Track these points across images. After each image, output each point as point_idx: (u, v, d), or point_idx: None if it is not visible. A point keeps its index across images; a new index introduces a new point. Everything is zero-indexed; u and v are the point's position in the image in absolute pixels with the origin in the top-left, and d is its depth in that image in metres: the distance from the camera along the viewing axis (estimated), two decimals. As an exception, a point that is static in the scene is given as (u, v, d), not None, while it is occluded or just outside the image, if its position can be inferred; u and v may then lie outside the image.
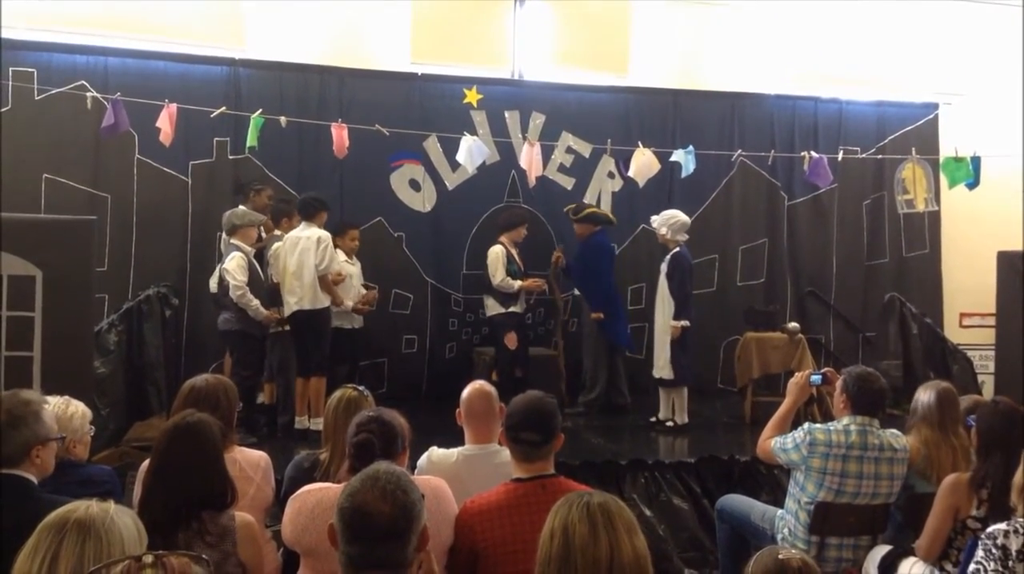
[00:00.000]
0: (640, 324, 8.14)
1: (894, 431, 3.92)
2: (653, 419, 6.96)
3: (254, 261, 6.36)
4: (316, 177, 7.60)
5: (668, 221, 6.87)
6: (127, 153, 7.27)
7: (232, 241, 6.30)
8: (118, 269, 7.26)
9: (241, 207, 6.61)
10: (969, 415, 3.90)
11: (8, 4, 6.91)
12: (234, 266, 6.13)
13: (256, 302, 6.17)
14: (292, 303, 6.28)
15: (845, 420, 3.89)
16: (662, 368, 6.85)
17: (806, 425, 3.91)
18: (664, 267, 6.89)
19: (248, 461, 3.44)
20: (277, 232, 6.76)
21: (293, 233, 6.41)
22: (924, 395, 4.10)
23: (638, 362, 7.92)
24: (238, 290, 6.08)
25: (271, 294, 6.45)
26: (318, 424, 6.16)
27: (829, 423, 3.94)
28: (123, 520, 2.03)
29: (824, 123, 8.90)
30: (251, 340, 6.33)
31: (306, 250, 6.24)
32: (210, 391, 3.46)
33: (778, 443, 4.00)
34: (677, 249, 6.84)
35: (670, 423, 6.88)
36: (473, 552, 2.88)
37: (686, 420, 6.88)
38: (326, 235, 6.36)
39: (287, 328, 6.44)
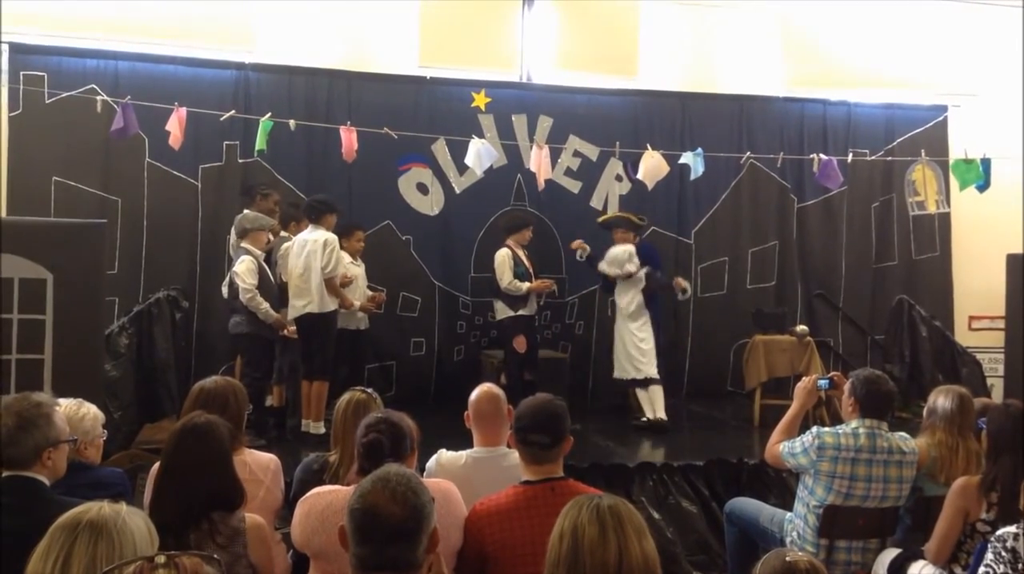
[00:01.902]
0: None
1: (903, 434, 3.91)
2: (644, 420, 6.91)
3: (264, 264, 6.37)
4: (325, 180, 7.63)
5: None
6: (137, 157, 7.31)
7: (242, 244, 6.31)
8: (128, 272, 7.30)
9: (252, 211, 6.62)
10: (980, 418, 3.90)
11: (19, 7, 6.96)
12: (244, 269, 6.15)
13: (266, 305, 6.18)
14: (299, 306, 6.28)
15: (854, 423, 3.88)
16: (640, 368, 6.84)
17: (814, 429, 3.90)
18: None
19: (258, 463, 3.45)
20: (284, 233, 6.78)
21: (300, 236, 6.41)
22: (943, 399, 4.08)
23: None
24: (247, 293, 6.10)
25: (281, 295, 6.47)
26: (318, 428, 6.20)
27: (838, 426, 3.94)
28: (134, 521, 2.04)
29: (833, 125, 8.88)
30: (261, 343, 6.35)
31: (313, 253, 6.22)
32: (219, 393, 3.48)
33: (786, 448, 3.99)
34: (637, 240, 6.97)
35: (645, 419, 6.87)
36: (482, 555, 2.88)
37: (664, 416, 6.86)
38: (333, 238, 6.32)
39: (293, 329, 6.45)
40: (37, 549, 1.96)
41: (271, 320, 6.24)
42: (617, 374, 7.13)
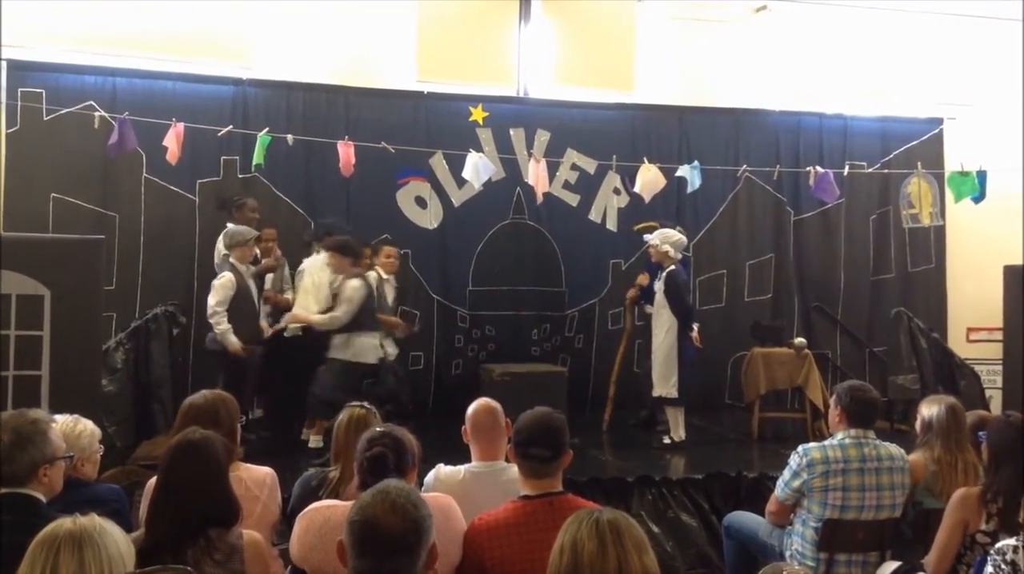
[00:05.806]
0: (640, 340, 8.10)
1: (889, 444, 3.92)
2: (668, 441, 6.83)
3: (248, 281, 6.30)
4: (323, 195, 7.65)
5: (670, 238, 6.84)
6: (135, 172, 7.31)
7: (230, 259, 6.29)
8: (126, 288, 7.28)
9: (234, 226, 6.55)
10: (979, 431, 3.89)
11: (18, 24, 6.98)
12: (218, 284, 6.11)
13: (225, 326, 6.03)
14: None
15: (839, 435, 3.90)
16: (666, 387, 6.75)
17: (800, 448, 3.90)
18: (660, 285, 6.81)
19: (253, 479, 3.42)
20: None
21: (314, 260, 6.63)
22: (934, 410, 4.09)
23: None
24: (209, 310, 6.06)
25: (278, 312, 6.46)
26: (317, 441, 6.21)
27: (823, 441, 3.95)
28: (112, 528, 2.07)
29: (829, 138, 8.90)
30: (236, 361, 6.19)
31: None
32: (208, 407, 3.43)
33: (779, 484, 4.00)
34: (672, 267, 6.77)
35: (667, 440, 6.80)
36: (481, 570, 2.87)
37: (683, 436, 6.80)
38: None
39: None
40: (19, 571, 1.95)
41: (226, 343, 6.06)
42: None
